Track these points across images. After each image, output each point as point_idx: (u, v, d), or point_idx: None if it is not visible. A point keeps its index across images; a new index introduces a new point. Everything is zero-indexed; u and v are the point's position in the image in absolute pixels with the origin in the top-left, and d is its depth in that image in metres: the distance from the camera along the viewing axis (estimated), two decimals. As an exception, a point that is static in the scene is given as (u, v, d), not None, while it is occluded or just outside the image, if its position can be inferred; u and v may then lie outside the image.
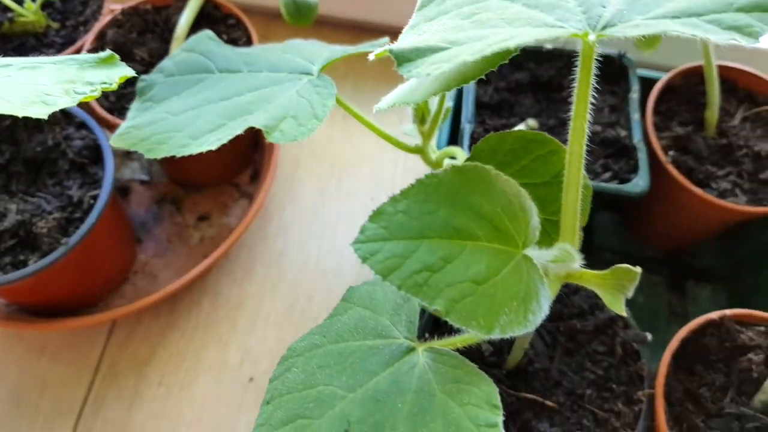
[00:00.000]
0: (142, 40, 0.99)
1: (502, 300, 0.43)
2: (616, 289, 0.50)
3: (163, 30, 1.01)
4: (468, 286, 0.42)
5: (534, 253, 0.47)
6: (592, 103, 0.48)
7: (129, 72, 0.59)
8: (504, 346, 0.69)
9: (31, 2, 0.98)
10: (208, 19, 1.01)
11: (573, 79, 0.47)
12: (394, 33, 0.50)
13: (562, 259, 0.47)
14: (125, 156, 1.08)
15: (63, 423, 0.87)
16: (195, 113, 0.66)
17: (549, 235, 0.56)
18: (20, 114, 0.49)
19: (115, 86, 0.57)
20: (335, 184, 1.10)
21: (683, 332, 0.71)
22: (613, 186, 0.80)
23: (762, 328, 0.72)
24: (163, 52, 0.97)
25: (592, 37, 0.42)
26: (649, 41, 0.80)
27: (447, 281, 0.42)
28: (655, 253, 1.02)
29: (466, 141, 0.83)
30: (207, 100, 0.68)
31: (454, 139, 0.91)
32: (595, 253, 1.00)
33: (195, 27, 0.95)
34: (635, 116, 0.87)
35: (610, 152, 0.86)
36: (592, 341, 0.71)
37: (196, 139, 0.62)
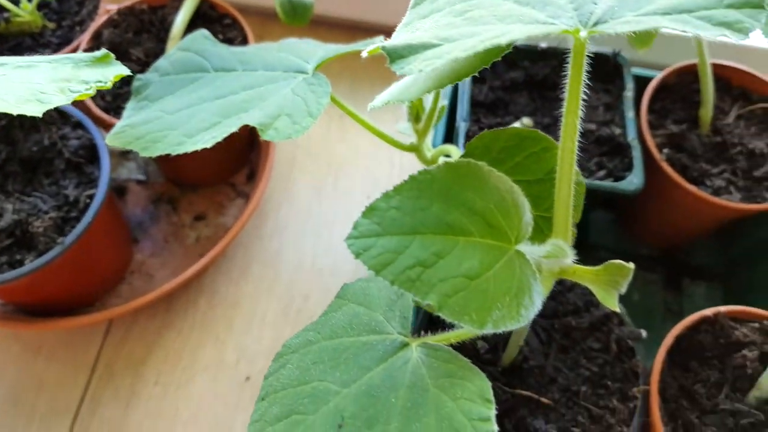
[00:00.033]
0: (138, 40, 0.99)
1: (494, 295, 0.43)
2: (609, 285, 0.50)
3: (159, 30, 1.01)
4: (461, 281, 0.42)
5: (527, 248, 0.47)
6: (585, 100, 0.48)
7: (124, 71, 0.59)
8: (499, 343, 0.70)
9: (27, 2, 0.98)
10: (204, 18, 1.01)
11: (566, 76, 0.47)
12: (389, 32, 0.51)
13: (554, 255, 0.47)
14: (122, 156, 1.09)
15: (60, 422, 0.87)
16: (190, 112, 0.67)
17: (542, 231, 0.56)
18: (15, 112, 0.49)
19: (110, 85, 0.57)
20: (331, 184, 1.10)
21: (678, 329, 0.72)
22: (607, 184, 0.81)
23: (756, 325, 0.72)
24: (159, 51, 0.98)
25: (583, 33, 0.43)
26: (643, 39, 0.81)
27: (440, 276, 0.42)
28: (650, 250, 1.02)
29: (461, 139, 0.83)
30: (202, 98, 0.68)
31: (449, 137, 0.92)
32: (590, 252, 1.01)
33: (191, 27, 0.95)
34: (630, 114, 0.87)
35: (604, 150, 0.86)
36: (587, 338, 0.71)
37: (191, 137, 0.62)
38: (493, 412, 0.43)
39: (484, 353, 0.69)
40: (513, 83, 0.93)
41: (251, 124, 0.61)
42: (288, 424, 0.47)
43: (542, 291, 0.49)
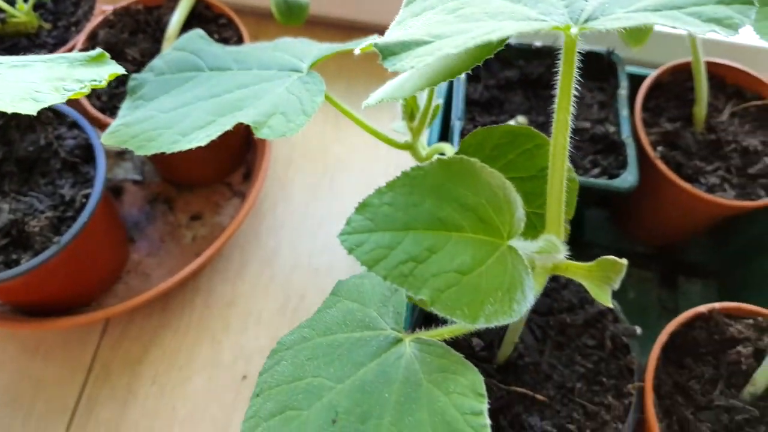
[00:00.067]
0: (134, 40, 0.99)
1: (487, 290, 0.43)
2: (602, 281, 0.50)
3: (155, 30, 1.01)
4: (453, 276, 0.43)
5: (519, 244, 0.47)
6: (578, 98, 0.48)
7: (119, 69, 0.59)
8: (494, 340, 0.70)
9: (23, 3, 0.98)
10: (200, 18, 1.01)
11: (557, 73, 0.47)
12: (385, 32, 0.51)
13: (547, 250, 0.47)
14: (118, 156, 1.09)
15: (57, 422, 0.88)
16: (185, 111, 0.67)
17: (536, 227, 0.56)
18: (10, 110, 0.50)
19: (104, 83, 0.57)
20: (327, 183, 1.10)
21: (672, 326, 0.72)
22: (602, 181, 0.81)
23: (751, 321, 0.73)
24: (154, 51, 0.98)
25: (574, 30, 0.43)
26: (637, 37, 0.81)
27: (432, 271, 0.43)
28: (645, 248, 1.02)
29: (456, 138, 0.84)
30: (197, 97, 0.68)
31: (444, 136, 0.92)
32: (585, 249, 1.01)
33: (186, 27, 0.95)
34: (624, 112, 0.88)
35: (599, 148, 0.87)
36: (582, 335, 0.71)
37: (185, 135, 0.63)
38: (485, 406, 0.43)
39: (479, 350, 0.69)
40: (508, 82, 0.93)
41: (246, 122, 0.61)
42: (282, 420, 0.47)
43: (534, 286, 0.49)
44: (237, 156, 1.08)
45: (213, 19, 1.02)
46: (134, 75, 0.75)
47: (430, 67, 0.52)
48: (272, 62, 0.71)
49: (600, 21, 0.43)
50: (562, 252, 0.48)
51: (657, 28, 0.99)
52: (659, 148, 0.87)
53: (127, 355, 0.93)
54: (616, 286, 0.50)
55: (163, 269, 0.98)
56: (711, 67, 0.92)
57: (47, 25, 1.01)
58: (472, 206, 0.46)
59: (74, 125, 0.87)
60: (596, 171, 0.84)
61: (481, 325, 0.42)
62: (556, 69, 0.47)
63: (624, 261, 0.48)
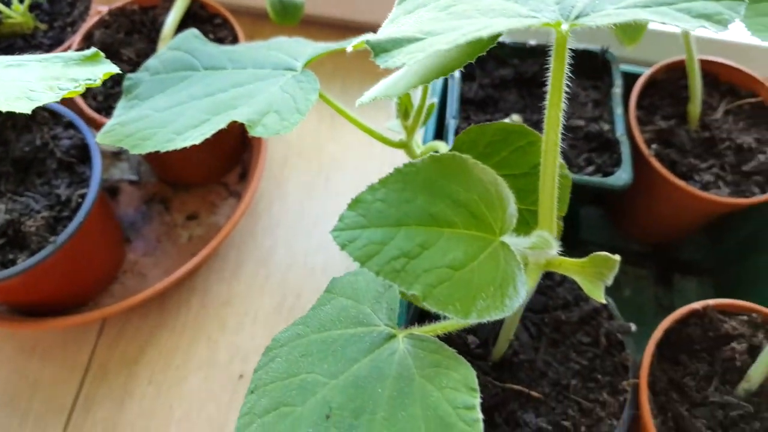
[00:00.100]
0: (130, 41, 0.99)
1: (479, 285, 0.43)
2: (595, 277, 0.51)
3: (150, 30, 1.01)
4: (445, 272, 0.43)
5: (511, 240, 0.47)
6: (571, 95, 0.49)
7: (113, 69, 0.59)
8: (489, 338, 0.70)
9: (19, 4, 0.98)
10: (195, 18, 1.01)
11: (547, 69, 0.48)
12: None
13: (539, 246, 0.48)
14: (114, 156, 1.09)
15: (54, 422, 0.88)
16: (180, 109, 0.67)
17: (529, 224, 0.56)
18: (5, 109, 0.50)
19: (99, 82, 0.57)
20: (323, 183, 1.10)
21: (667, 322, 0.72)
22: (596, 179, 0.81)
23: (745, 318, 0.73)
24: (150, 52, 0.98)
25: (564, 26, 0.43)
26: (631, 36, 0.81)
27: (424, 267, 0.43)
28: (641, 246, 1.02)
29: (450, 136, 0.84)
30: (192, 96, 0.68)
31: (440, 135, 0.92)
32: (581, 248, 1.01)
33: (182, 27, 0.95)
34: (618, 110, 0.88)
35: (593, 146, 0.87)
36: (577, 332, 0.72)
37: (180, 134, 0.63)
38: (477, 400, 0.43)
39: (474, 348, 0.69)
40: (502, 81, 0.93)
41: (240, 120, 0.61)
42: (276, 416, 0.48)
43: (527, 282, 0.49)
44: (233, 156, 1.08)
45: (208, 19, 1.02)
46: (129, 75, 0.75)
47: (423, 64, 0.52)
48: (267, 61, 0.71)
49: (590, 17, 0.43)
50: (555, 248, 0.49)
51: (651, 26, 1.00)
52: (653, 146, 0.87)
53: (124, 354, 0.93)
54: (609, 282, 0.50)
55: (159, 269, 0.98)
56: (705, 65, 0.92)
57: (43, 26, 1.01)
58: (464, 202, 0.46)
59: (70, 125, 0.87)
60: (591, 169, 0.84)
61: (473, 320, 0.42)
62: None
63: (617, 257, 0.49)
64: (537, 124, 0.89)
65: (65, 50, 0.97)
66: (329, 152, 1.14)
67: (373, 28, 0.50)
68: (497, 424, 0.65)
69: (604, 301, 0.50)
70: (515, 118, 0.88)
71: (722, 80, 0.94)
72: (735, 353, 0.70)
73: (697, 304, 0.73)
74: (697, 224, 0.95)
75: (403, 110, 0.69)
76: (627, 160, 0.83)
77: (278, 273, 1.01)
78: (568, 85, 0.47)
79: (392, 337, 0.50)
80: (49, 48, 0.99)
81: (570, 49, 0.92)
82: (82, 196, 0.81)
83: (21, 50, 0.99)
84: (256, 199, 1.08)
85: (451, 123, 0.85)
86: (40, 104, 0.52)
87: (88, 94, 0.93)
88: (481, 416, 0.43)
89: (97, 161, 0.83)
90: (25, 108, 0.50)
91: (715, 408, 0.68)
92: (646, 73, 0.92)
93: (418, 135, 0.74)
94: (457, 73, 0.90)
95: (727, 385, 0.70)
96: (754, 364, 0.67)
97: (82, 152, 0.85)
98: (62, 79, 0.56)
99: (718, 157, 0.88)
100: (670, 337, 0.72)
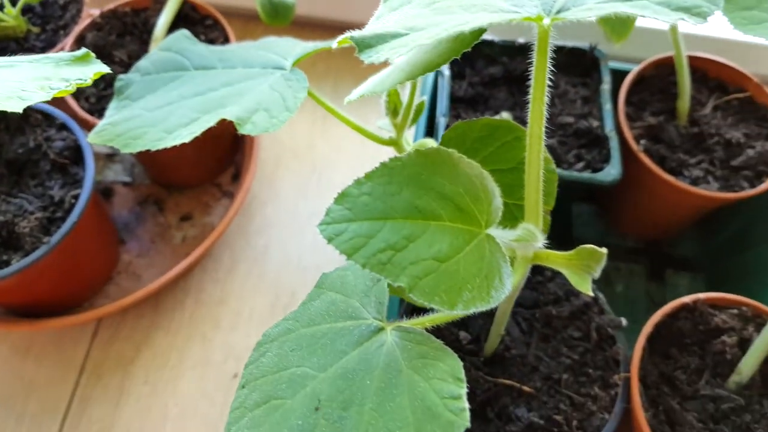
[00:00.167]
0: (121, 42, 1.00)
1: (464, 277, 0.44)
2: (582, 270, 0.51)
3: (142, 32, 1.02)
4: (431, 264, 0.43)
5: (497, 232, 0.48)
6: (560, 92, 0.49)
7: (104, 69, 0.60)
8: (481, 333, 0.70)
9: (11, 7, 0.99)
10: (186, 20, 1.02)
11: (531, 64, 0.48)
12: (367, 29, 0.52)
13: (525, 239, 0.48)
14: (108, 158, 1.09)
15: (49, 422, 0.88)
16: (170, 109, 0.68)
17: (517, 219, 0.57)
18: (-4, 109, 0.50)
19: (90, 82, 0.58)
20: (315, 182, 1.11)
21: (657, 316, 0.73)
22: (585, 175, 0.82)
23: (735, 311, 0.73)
24: (142, 53, 0.98)
25: (546, 21, 0.44)
26: (619, 32, 0.82)
27: (410, 259, 0.43)
28: (633, 243, 1.03)
29: (440, 134, 0.84)
30: (182, 96, 0.69)
31: (430, 134, 0.93)
32: (574, 246, 1.01)
33: (173, 28, 0.95)
34: (607, 107, 0.89)
35: (582, 143, 0.88)
36: (568, 327, 0.72)
37: (170, 133, 0.63)
38: (464, 390, 0.44)
39: (466, 344, 0.70)
40: (492, 79, 0.94)
41: (229, 118, 0.62)
42: (267, 409, 0.48)
43: (515, 275, 0.50)
44: (226, 157, 1.08)
45: (199, 21, 1.02)
46: (121, 76, 0.76)
47: (409, 61, 0.53)
48: (256, 60, 0.71)
49: (572, 12, 0.43)
50: (540, 240, 0.49)
51: (639, 23, 1.00)
52: (643, 142, 0.87)
53: (119, 355, 0.93)
54: (597, 274, 0.50)
55: (153, 270, 0.99)
56: (693, 61, 0.93)
57: (36, 29, 1.02)
58: (450, 195, 0.47)
59: (63, 127, 0.88)
60: (580, 165, 0.85)
61: (459, 311, 0.43)
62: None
63: (603, 250, 0.49)
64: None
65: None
66: (322, 152, 1.14)
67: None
68: (489, 419, 0.65)
69: (591, 294, 0.50)
70: (505, 115, 0.89)
71: (711, 76, 0.95)
72: (725, 346, 0.71)
73: (687, 298, 0.74)
74: (688, 220, 0.96)
75: (392, 108, 0.69)
76: (616, 156, 0.83)
77: (272, 272, 1.01)
78: (552, 81, 0.48)
79: (380, 330, 0.50)
80: (42, 51, 1.00)
81: (559, 46, 0.93)
82: (76, 197, 0.81)
83: (14, 53, 0.98)
84: (249, 199, 1.08)
85: (441, 121, 0.85)
86: (32, 103, 0.52)
87: (81, 96, 0.94)
88: (467, 406, 0.43)
89: (90, 162, 0.83)
90: (17, 107, 0.51)
91: (706, 401, 0.69)
92: (635, 69, 0.93)
93: (410, 134, 0.74)
94: (447, 72, 0.90)
95: (718, 378, 0.70)
96: (744, 357, 0.68)
97: (76, 153, 0.86)
98: (53, 79, 0.57)
99: (707, 152, 0.88)
100: (660, 331, 0.73)
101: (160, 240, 1.02)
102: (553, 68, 0.49)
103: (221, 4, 1.11)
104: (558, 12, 0.44)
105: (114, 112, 0.72)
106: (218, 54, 0.75)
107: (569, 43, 0.94)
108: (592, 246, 0.50)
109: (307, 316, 0.53)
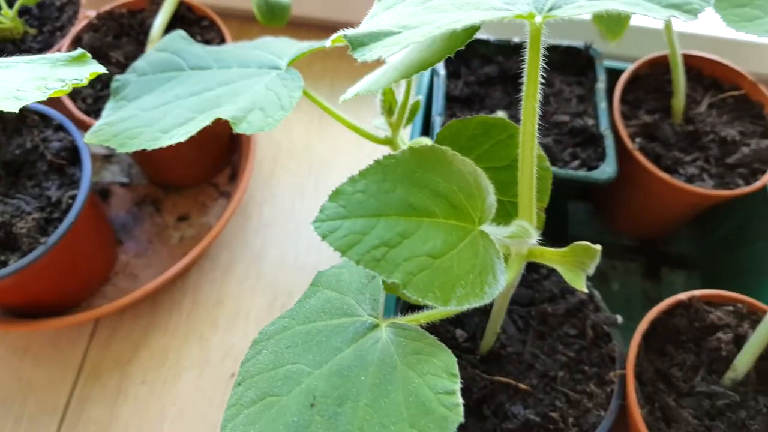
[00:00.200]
0: (118, 44, 1.00)
1: (458, 273, 0.44)
2: (576, 266, 0.51)
3: (139, 33, 1.02)
4: (424, 260, 0.44)
5: (491, 229, 0.48)
6: (547, 87, 0.49)
7: (99, 68, 0.60)
8: (477, 331, 0.71)
9: (8, 9, 0.99)
10: (183, 21, 1.02)
11: (523, 62, 0.48)
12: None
13: (518, 235, 0.48)
14: (105, 159, 1.10)
15: (47, 423, 0.88)
16: (166, 109, 0.68)
17: (511, 216, 0.57)
18: (-8, 109, 0.51)
19: (86, 82, 0.58)
20: (313, 182, 1.11)
21: (653, 313, 0.73)
22: (581, 173, 0.82)
23: (730, 308, 0.74)
24: (138, 54, 0.98)
25: (538, 18, 0.44)
26: (614, 31, 0.82)
27: (404, 256, 0.44)
28: (629, 241, 1.03)
29: (436, 133, 0.85)
30: (178, 96, 0.69)
31: (426, 133, 0.93)
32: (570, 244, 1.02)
33: (169, 29, 0.95)
34: (602, 105, 0.89)
35: (578, 141, 0.88)
36: (564, 324, 0.72)
37: (166, 132, 0.64)
38: (458, 385, 0.44)
39: (462, 342, 0.70)
40: (488, 78, 0.94)
41: (225, 117, 0.62)
42: (262, 406, 0.48)
43: (510, 272, 0.50)
44: (222, 157, 1.08)
45: (196, 22, 1.03)
46: (117, 76, 0.76)
47: (403, 60, 0.53)
48: (252, 60, 0.72)
49: (563, 9, 0.44)
50: (534, 236, 0.49)
51: (633, 22, 1.01)
52: (638, 140, 0.88)
53: (117, 355, 0.93)
54: (591, 271, 0.51)
55: (151, 270, 0.99)
56: (688, 59, 0.93)
57: (32, 31, 1.02)
58: (444, 192, 0.47)
59: (60, 128, 0.88)
60: (576, 163, 0.85)
61: (453, 307, 0.43)
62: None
63: (597, 246, 0.49)
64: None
65: (54, 54, 0.97)
66: (318, 152, 1.14)
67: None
68: (486, 417, 0.66)
69: (585, 290, 0.51)
70: (500, 114, 0.89)
71: (705, 74, 0.95)
72: (721, 343, 0.71)
73: (682, 295, 0.74)
74: (684, 217, 0.96)
75: (387, 107, 0.69)
76: (611, 154, 0.84)
77: (269, 272, 1.01)
78: (547, 80, 0.48)
79: (375, 326, 0.50)
80: (39, 52, 1.00)
81: (554, 45, 0.93)
82: (73, 198, 0.81)
83: (10, 54, 0.98)
84: (246, 199, 1.08)
85: (437, 120, 0.86)
86: (28, 103, 0.52)
87: (78, 97, 0.94)
88: (461, 401, 0.43)
89: (87, 163, 0.83)
90: (13, 107, 0.51)
91: (702, 397, 0.69)
92: (630, 68, 0.93)
93: (406, 133, 0.75)
94: (442, 71, 0.90)
95: (714, 375, 0.70)
96: (739, 354, 0.68)
97: (72, 154, 0.86)
98: (49, 79, 0.57)
99: (703, 150, 0.88)
100: (656, 328, 0.73)
101: (157, 240, 1.02)
102: (548, 67, 0.49)
103: (217, 5, 1.12)
104: (550, 10, 0.44)
105: (110, 112, 0.72)
106: (214, 54, 0.75)
107: (564, 41, 0.94)
108: (586, 243, 0.50)
109: (302, 314, 0.54)
